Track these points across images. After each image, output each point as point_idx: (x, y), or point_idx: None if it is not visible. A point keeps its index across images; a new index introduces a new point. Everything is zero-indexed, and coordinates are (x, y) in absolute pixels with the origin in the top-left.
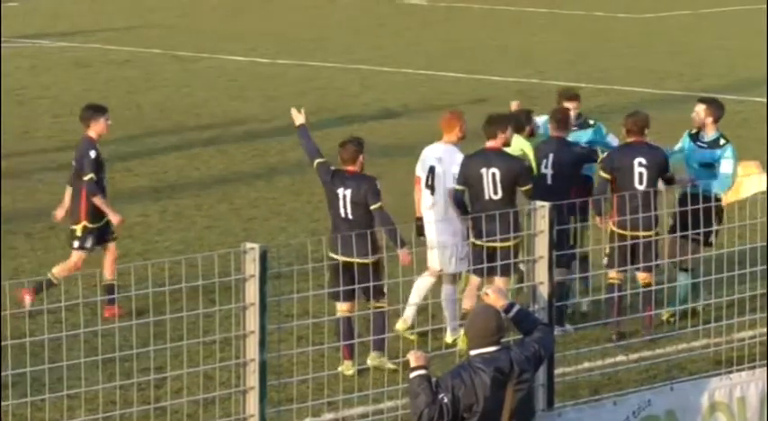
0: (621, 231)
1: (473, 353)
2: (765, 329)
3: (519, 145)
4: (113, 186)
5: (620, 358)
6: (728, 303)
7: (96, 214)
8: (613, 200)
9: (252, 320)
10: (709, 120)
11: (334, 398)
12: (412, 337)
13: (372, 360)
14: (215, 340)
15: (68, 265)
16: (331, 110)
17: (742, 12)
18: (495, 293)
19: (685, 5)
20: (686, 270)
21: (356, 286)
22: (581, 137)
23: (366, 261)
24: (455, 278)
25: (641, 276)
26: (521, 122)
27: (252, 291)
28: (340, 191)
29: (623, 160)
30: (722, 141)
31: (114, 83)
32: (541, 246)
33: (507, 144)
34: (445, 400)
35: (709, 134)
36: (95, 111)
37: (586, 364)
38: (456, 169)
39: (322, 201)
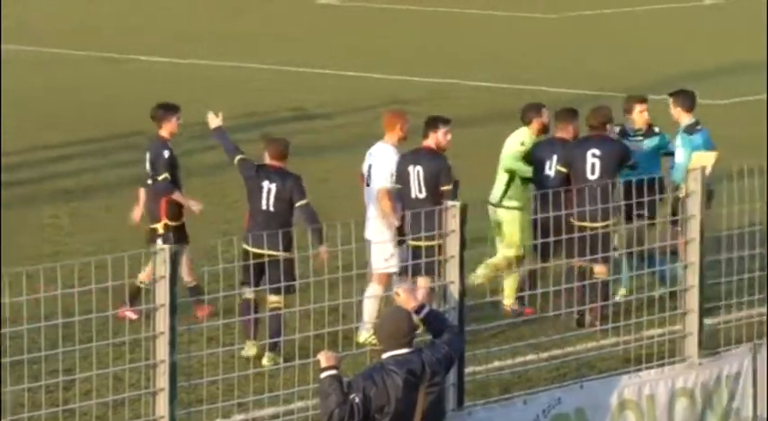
0: (579, 223)
1: (385, 355)
2: (678, 327)
3: (521, 137)
4: (24, 187)
5: (531, 357)
6: (638, 303)
7: (175, 212)
8: (572, 192)
9: (162, 321)
10: (679, 109)
11: (245, 400)
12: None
13: (268, 360)
14: (124, 341)
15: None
16: (246, 110)
17: (674, 10)
18: (407, 294)
19: (617, 4)
20: (675, 253)
21: (279, 280)
22: (647, 145)
23: (277, 254)
24: (384, 277)
25: (597, 269)
26: (527, 116)
27: (162, 293)
28: (265, 184)
29: (578, 153)
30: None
31: (34, 83)
32: (452, 246)
33: (440, 145)
34: (356, 401)
35: (683, 122)
36: (167, 110)
37: (497, 363)
38: (386, 168)
39: (234, 203)
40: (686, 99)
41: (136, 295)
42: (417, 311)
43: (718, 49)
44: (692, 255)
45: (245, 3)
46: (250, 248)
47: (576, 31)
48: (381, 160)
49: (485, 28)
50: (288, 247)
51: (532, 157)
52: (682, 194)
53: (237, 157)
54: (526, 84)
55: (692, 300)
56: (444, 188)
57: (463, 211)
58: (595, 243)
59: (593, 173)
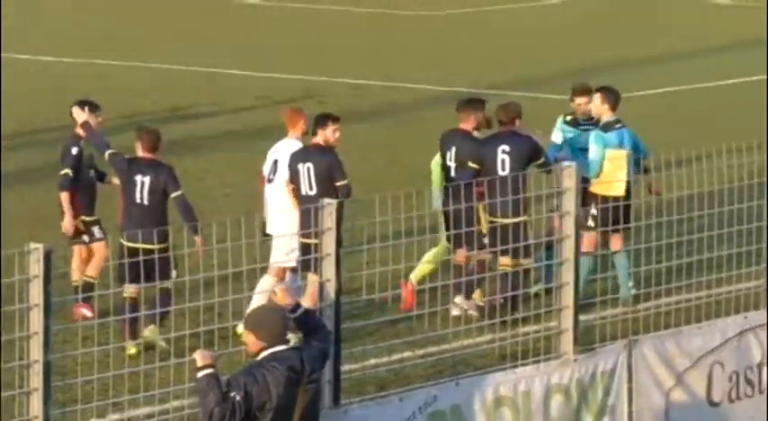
0: (492, 218)
1: (265, 352)
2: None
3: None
4: None
5: (407, 354)
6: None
7: (86, 206)
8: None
9: (36, 321)
10: (606, 106)
11: (120, 399)
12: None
13: (150, 332)
14: None
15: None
16: (119, 109)
17: (531, 9)
18: (283, 292)
19: (474, 3)
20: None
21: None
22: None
23: (152, 247)
24: (281, 272)
25: (502, 260)
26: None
27: (36, 292)
28: (138, 178)
29: (488, 149)
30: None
31: None
32: (328, 244)
33: (329, 142)
34: (237, 398)
35: (604, 118)
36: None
37: (373, 361)
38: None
39: (105, 199)
40: (612, 96)
41: (88, 291)
42: (293, 310)
43: (583, 47)
44: (568, 251)
45: (122, 1)
46: (126, 243)
47: (443, 29)
48: (289, 155)
49: (361, 25)
50: (164, 239)
51: (440, 147)
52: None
53: (108, 152)
54: (397, 81)
55: (567, 297)
56: (340, 184)
57: (339, 209)
58: (506, 237)
59: (503, 169)
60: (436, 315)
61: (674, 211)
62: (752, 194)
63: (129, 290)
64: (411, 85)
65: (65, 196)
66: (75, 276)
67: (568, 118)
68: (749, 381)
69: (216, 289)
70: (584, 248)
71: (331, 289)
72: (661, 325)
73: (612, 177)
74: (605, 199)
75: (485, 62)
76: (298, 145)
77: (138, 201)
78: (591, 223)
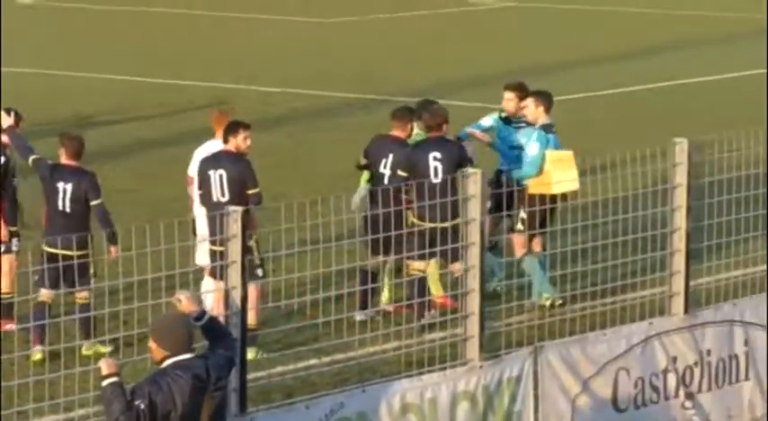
0: (420, 222)
1: (169, 361)
2: (460, 330)
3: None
4: None
5: (313, 361)
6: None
7: (12, 217)
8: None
9: None
10: (541, 108)
11: (24, 407)
12: None
13: (86, 350)
14: None
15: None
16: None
17: (414, 18)
18: (188, 300)
19: (385, 8)
20: (492, 248)
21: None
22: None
23: (71, 253)
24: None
25: (415, 265)
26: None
27: None
28: (60, 184)
29: (419, 156)
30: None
31: None
32: (234, 251)
33: (240, 149)
34: (142, 407)
35: (540, 121)
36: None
37: (279, 368)
38: None
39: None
40: (547, 99)
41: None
42: (198, 318)
43: (480, 55)
44: (473, 258)
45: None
46: (46, 249)
47: (329, 36)
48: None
49: (257, 32)
50: (83, 246)
51: (368, 154)
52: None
53: (32, 158)
54: (296, 87)
55: (473, 304)
56: (252, 191)
57: (244, 216)
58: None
59: (436, 176)
60: (342, 322)
61: (578, 218)
62: (656, 201)
63: (43, 294)
64: (320, 92)
65: None
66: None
67: (503, 115)
68: (654, 388)
69: (121, 297)
70: (519, 253)
71: (237, 296)
72: (566, 331)
73: (554, 178)
74: (542, 199)
75: (391, 69)
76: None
77: (61, 208)
78: (520, 226)
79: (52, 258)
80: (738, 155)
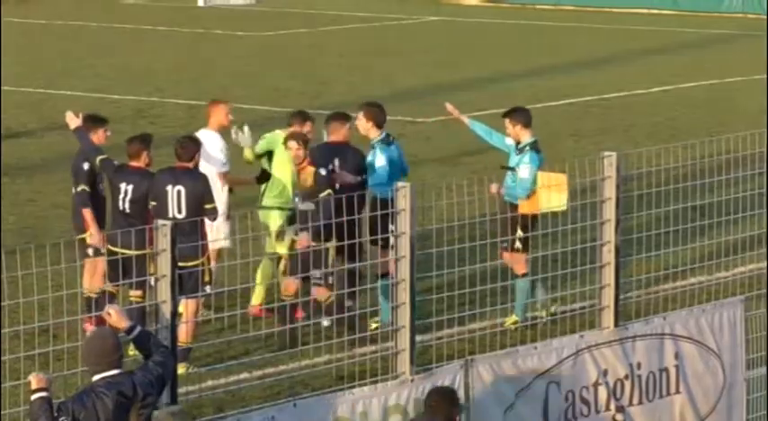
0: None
1: (95, 377)
2: (391, 343)
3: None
4: None
5: (244, 375)
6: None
7: (101, 220)
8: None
9: None
10: (518, 127)
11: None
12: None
13: None
14: None
15: (93, 273)
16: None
17: (360, 29)
18: (117, 314)
19: (304, 24)
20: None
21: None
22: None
23: (130, 252)
24: None
25: (318, 291)
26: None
27: None
28: (122, 185)
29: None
30: (528, 147)
31: None
32: (164, 265)
33: (150, 164)
34: None
35: (524, 140)
36: (94, 121)
37: (210, 382)
38: (215, 153)
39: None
40: (523, 116)
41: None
42: (128, 332)
43: (405, 70)
44: (403, 272)
45: None
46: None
47: (273, 49)
48: (207, 147)
49: (186, 45)
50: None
51: (315, 161)
52: (520, 211)
53: (99, 158)
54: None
55: (404, 317)
56: (209, 206)
57: (173, 231)
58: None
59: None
60: (273, 335)
61: (508, 232)
62: (585, 215)
63: (108, 286)
64: (241, 105)
65: (86, 212)
66: None
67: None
68: (585, 401)
69: (50, 311)
70: (519, 272)
71: (167, 310)
72: (498, 345)
73: (542, 199)
74: (534, 219)
75: (316, 83)
76: (214, 136)
77: (121, 208)
78: (519, 245)
79: (113, 255)
80: (667, 169)
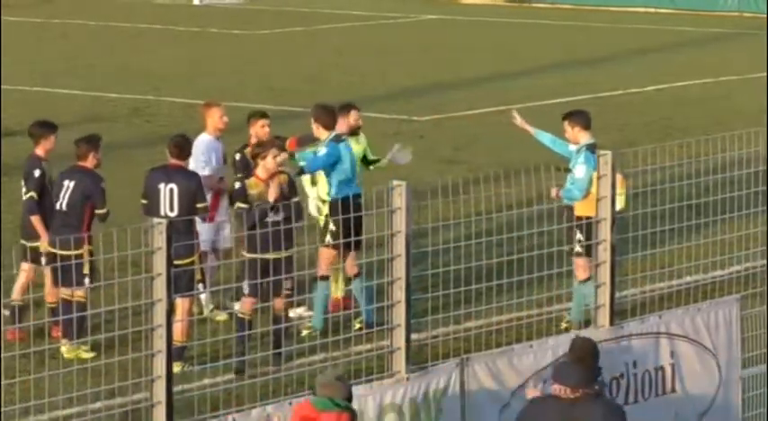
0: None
1: None
2: (386, 342)
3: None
4: None
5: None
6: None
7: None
8: None
9: None
10: (577, 129)
11: (11, 407)
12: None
13: (67, 352)
14: None
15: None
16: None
17: (356, 28)
18: None
19: (299, 22)
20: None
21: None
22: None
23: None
24: None
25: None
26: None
27: None
28: (65, 182)
29: None
30: (584, 148)
31: None
32: (159, 263)
33: (98, 165)
34: None
35: (582, 142)
36: (44, 128)
37: (206, 381)
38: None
39: None
40: (582, 118)
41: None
42: None
43: (401, 68)
44: (399, 270)
45: None
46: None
47: (270, 48)
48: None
49: (182, 43)
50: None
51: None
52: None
53: None
54: (225, 99)
55: (400, 315)
56: (201, 205)
57: (169, 228)
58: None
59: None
60: (268, 333)
61: (504, 231)
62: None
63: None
64: (237, 103)
65: (35, 219)
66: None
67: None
68: None
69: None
70: (581, 276)
71: (161, 309)
72: (493, 343)
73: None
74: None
75: (309, 81)
76: (208, 138)
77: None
78: (578, 249)
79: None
80: (662, 168)
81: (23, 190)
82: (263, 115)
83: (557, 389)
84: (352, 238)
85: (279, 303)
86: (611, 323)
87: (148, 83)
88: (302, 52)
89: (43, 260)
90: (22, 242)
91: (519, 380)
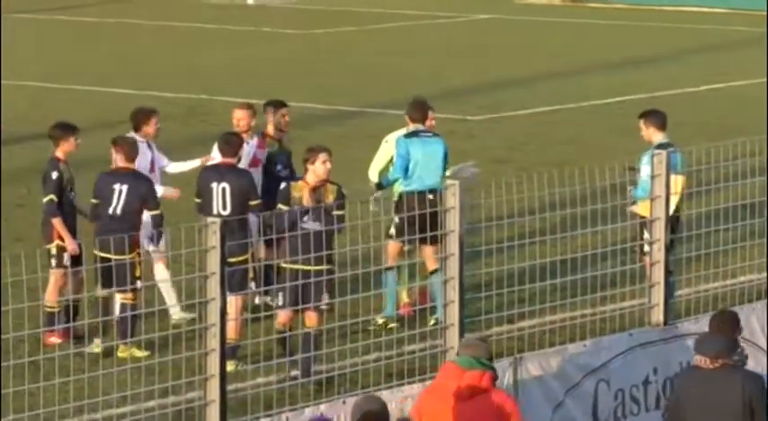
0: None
1: None
2: (440, 341)
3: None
4: None
5: (294, 373)
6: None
7: (72, 229)
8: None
9: None
10: (652, 129)
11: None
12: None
13: (122, 352)
14: None
15: (53, 286)
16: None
17: (409, 27)
18: None
19: (352, 21)
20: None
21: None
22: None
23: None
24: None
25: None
26: None
27: None
28: (116, 186)
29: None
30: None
31: None
32: (213, 262)
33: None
34: None
35: (655, 142)
36: (64, 130)
37: (260, 380)
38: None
39: None
40: (658, 118)
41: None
42: None
43: (458, 67)
44: (452, 270)
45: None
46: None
47: (322, 47)
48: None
49: (234, 42)
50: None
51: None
52: (634, 210)
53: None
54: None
55: (453, 315)
56: (254, 203)
57: (223, 228)
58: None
59: None
60: (322, 334)
61: (557, 230)
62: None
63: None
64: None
65: (56, 222)
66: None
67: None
68: (635, 399)
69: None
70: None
71: (215, 308)
72: (547, 342)
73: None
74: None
75: (362, 80)
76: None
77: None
78: (647, 248)
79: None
80: (717, 167)
81: (42, 193)
82: (283, 104)
83: (698, 359)
84: (417, 235)
85: (309, 319)
86: (665, 323)
87: (202, 82)
88: (354, 52)
89: (66, 261)
90: (48, 246)
91: (573, 380)
